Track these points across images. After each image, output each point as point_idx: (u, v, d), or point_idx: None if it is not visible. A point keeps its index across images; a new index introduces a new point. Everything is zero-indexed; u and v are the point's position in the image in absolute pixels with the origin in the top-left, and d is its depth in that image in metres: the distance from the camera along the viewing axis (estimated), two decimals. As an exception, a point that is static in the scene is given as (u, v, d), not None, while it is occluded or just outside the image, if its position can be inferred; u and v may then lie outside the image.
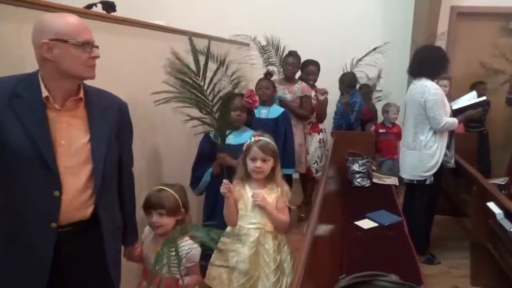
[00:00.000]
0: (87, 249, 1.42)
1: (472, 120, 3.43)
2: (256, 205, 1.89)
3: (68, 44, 1.27)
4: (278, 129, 3.01)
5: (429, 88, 2.73)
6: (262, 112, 3.07)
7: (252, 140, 1.92)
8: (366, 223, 2.59)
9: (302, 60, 3.67)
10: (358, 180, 3.31)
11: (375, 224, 2.57)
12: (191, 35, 2.33)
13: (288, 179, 3.03)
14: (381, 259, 2.12)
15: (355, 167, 3.34)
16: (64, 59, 1.27)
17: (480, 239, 2.59)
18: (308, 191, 3.91)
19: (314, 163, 3.73)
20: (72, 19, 1.31)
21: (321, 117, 3.72)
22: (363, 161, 3.35)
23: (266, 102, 3.10)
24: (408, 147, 2.93)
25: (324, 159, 3.72)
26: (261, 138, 1.93)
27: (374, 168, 3.46)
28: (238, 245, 1.91)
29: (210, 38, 2.76)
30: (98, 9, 2.33)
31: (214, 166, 2.31)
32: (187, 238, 1.67)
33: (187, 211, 1.74)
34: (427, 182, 2.83)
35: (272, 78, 3.28)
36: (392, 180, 3.43)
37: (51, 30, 1.25)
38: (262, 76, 3.25)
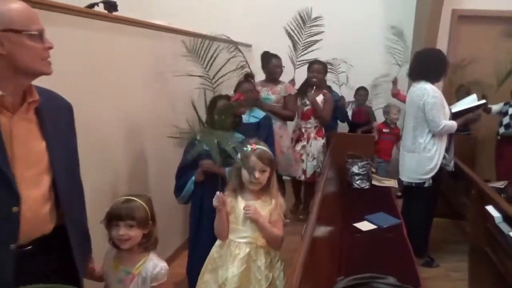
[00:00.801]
0: (54, 269, 1.23)
1: (471, 123, 3.43)
2: (248, 218, 1.77)
3: (22, 35, 1.09)
4: (260, 134, 2.84)
5: (428, 91, 2.73)
6: (243, 116, 2.90)
7: (249, 148, 1.80)
8: (365, 225, 2.59)
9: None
10: (358, 182, 3.31)
11: (374, 226, 2.58)
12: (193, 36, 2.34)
13: (279, 182, 3.04)
14: (380, 261, 2.12)
15: (355, 169, 3.35)
16: (19, 52, 1.10)
17: (478, 243, 2.59)
18: (306, 197, 3.83)
19: (318, 167, 3.67)
20: (20, 5, 1.12)
21: (325, 121, 3.73)
22: (362, 163, 3.36)
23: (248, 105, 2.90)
24: (407, 149, 2.94)
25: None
26: (258, 146, 1.81)
27: (373, 170, 3.46)
28: (228, 260, 1.79)
29: (211, 38, 2.78)
30: (100, 8, 2.34)
31: (196, 173, 2.23)
32: (152, 256, 1.57)
33: (154, 223, 1.60)
34: (426, 185, 2.83)
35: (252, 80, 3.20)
36: (391, 183, 3.43)
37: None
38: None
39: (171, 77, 2.63)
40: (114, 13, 2.28)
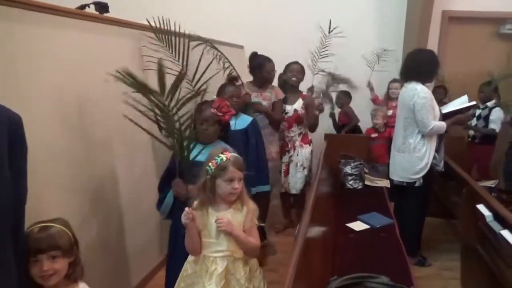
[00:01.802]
0: None
1: (461, 124, 3.45)
2: (222, 231, 1.66)
3: None
4: (249, 141, 2.68)
5: (418, 92, 2.76)
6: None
7: (224, 157, 1.64)
8: (358, 225, 2.61)
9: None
10: (351, 182, 3.33)
11: (367, 226, 2.59)
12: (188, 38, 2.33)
13: (265, 197, 2.81)
14: (373, 261, 2.13)
15: (348, 169, 3.36)
16: None
17: (470, 241, 2.61)
18: (299, 209, 3.48)
19: (309, 177, 3.48)
20: None
21: (314, 127, 3.56)
22: (355, 163, 3.38)
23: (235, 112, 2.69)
24: (398, 149, 2.97)
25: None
26: (232, 154, 1.68)
27: (366, 170, 3.48)
28: (204, 277, 1.68)
29: (204, 40, 2.78)
30: (91, 10, 2.33)
31: (173, 186, 2.03)
32: (82, 286, 1.40)
33: (78, 248, 1.39)
34: (417, 185, 2.86)
35: (237, 83, 2.90)
36: (384, 183, 3.45)
37: None
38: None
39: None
40: (105, 14, 2.27)
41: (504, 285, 2.12)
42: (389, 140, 3.91)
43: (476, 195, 2.54)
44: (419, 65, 2.83)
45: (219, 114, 2.01)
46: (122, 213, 2.32)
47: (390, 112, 4.08)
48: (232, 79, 2.79)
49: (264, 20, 4.59)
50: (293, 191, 3.46)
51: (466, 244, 2.70)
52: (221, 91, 2.62)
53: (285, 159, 3.46)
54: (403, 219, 2.85)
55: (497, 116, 3.79)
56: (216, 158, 1.64)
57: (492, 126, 3.82)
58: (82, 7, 2.32)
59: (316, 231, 2.09)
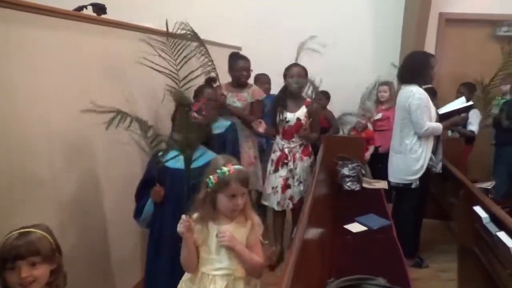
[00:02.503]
0: None
1: (458, 126, 3.46)
2: (223, 247, 1.51)
3: None
4: (226, 147, 2.52)
5: (413, 93, 2.78)
6: None
7: (226, 171, 1.49)
8: (355, 227, 2.61)
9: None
10: (348, 184, 3.33)
11: (364, 228, 2.59)
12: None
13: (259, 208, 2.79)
14: (370, 262, 2.13)
15: (345, 171, 3.36)
16: None
17: (467, 243, 2.62)
18: (294, 224, 3.16)
19: (306, 192, 3.01)
20: None
21: (315, 141, 3.28)
22: (353, 165, 3.37)
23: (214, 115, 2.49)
24: (395, 150, 2.99)
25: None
26: (235, 167, 1.52)
27: (363, 172, 3.48)
28: None
29: (203, 41, 2.78)
30: (89, 11, 2.33)
31: (151, 194, 1.89)
32: None
33: (61, 255, 1.31)
34: (413, 186, 2.87)
35: (215, 84, 2.74)
36: (381, 185, 3.45)
37: None
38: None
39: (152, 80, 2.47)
40: (103, 16, 2.27)
41: (500, 286, 2.13)
42: (367, 141, 3.93)
43: (473, 196, 2.55)
44: (414, 68, 2.85)
45: (199, 117, 1.89)
46: (106, 223, 2.20)
47: (379, 115, 4.13)
48: (210, 81, 2.61)
49: (262, 21, 4.60)
50: (290, 206, 3.09)
51: (463, 246, 2.71)
52: (198, 93, 2.44)
53: (283, 172, 3.05)
54: (400, 221, 2.86)
55: (475, 117, 3.79)
56: (218, 170, 1.50)
57: (470, 127, 3.81)
58: (80, 8, 2.32)
59: (313, 232, 2.09)
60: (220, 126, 2.55)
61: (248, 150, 3.08)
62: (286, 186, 3.06)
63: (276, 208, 3.10)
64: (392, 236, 2.49)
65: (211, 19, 4.45)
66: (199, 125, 1.90)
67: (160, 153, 1.91)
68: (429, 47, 4.44)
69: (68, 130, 1.82)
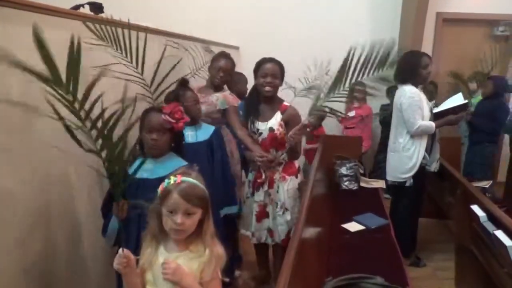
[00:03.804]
0: None
1: (452, 125, 3.47)
2: (166, 280, 1.27)
3: None
4: (214, 155, 2.29)
5: (406, 92, 2.83)
6: (188, 135, 2.19)
7: (171, 181, 1.29)
8: (353, 226, 2.61)
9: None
10: (346, 183, 3.33)
11: (362, 227, 2.59)
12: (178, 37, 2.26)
13: (233, 221, 2.53)
14: (368, 261, 2.13)
15: (343, 170, 3.36)
16: None
17: (464, 242, 2.63)
18: (277, 264, 2.67)
19: (295, 222, 2.34)
20: None
21: (295, 155, 2.54)
22: (350, 164, 3.38)
23: (194, 120, 2.21)
24: (390, 149, 3.04)
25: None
26: (185, 178, 1.30)
27: (361, 171, 3.49)
28: None
29: (199, 40, 2.77)
30: (86, 10, 2.32)
31: (113, 209, 1.64)
32: None
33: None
34: (407, 184, 2.89)
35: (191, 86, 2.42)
36: (379, 184, 3.46)
37: None
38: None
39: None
40: (100, 15, 2.26)
41: (498, 285, 2.14)
42: (315, 137, 3.98)
43: (470, 195, 2.56)
44: (406, 68, 2.89)
45: (171, 121, 1.69)
46: (80, 236, 1.87)
47: (352, 113, 4.23)
48: (186, 82, 2.32)
49: (261, 20, 4.59)
50: (276, 240, 2.52)
51: (460, 245, 2.72)
52: (176, 95, 2.16)
53: (259, 196, 2.48)
54: (397, 219, 2.87)
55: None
56: (166, 180, 1.32)
57: None
58: (77, 7, 2.31)
59: (311, 232, 2.09)
60: (206, 132, 2.30)
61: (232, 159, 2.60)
62: (262, 214, 2.49)
63: (251, 240, 2.58)
64: (390, 235, 2.50)
65: (209, 17, 4.47)
66: (169, 129, 1.71)
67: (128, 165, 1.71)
68: (427, 46, 4.46)
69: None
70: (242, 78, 3.27)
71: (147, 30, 2.06)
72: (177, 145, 1.82)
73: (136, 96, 1.89)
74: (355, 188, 3.33)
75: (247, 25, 4.54)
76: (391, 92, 4.11)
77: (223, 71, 2.65)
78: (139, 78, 1.94)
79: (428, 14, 4.38)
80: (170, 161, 1.75)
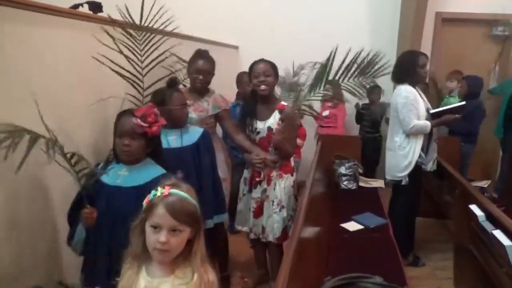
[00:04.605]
0: None
1: (448, 125, 3.47)
2: None
3: None
4: (201, 160, 2.12)
5: (401, 92, 2.84)
6: (171, 139, 2.05)
7: (158, 193, 1.14)
8: (352, 226, 2.61)
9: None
10: (345, 182, 3.33)
11: (361, 227, 2.60)
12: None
13: (219, 231, 2.36)
14: (366, 261, 2.14)
15: (342, 170, 3.37)
16: None
17: (463, 241, 2.63)
18: (273, 263, 2.60)
19: (289, 220, 2.49)
20: None
21: (289, 153, 2.51)
22: (349, 164, 3.38)
23: (182, 122, 2.12)
24: (387, 147, 3.06)
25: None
26: (174, 191, 1.14)
27: (360, 171, 3.49)
28: None
29: (200, 41, 2.77)
30: (85, 9, 2.32)
31: (81, 217, 1.52)
32: None
33: None
34: (403, 183, 2.89)
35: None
36: (378, 183, 3.47)
37: None
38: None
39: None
40: (99, 14, 2.26)
41: (496, 284, 2.14)
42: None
43: (469, 195, 2.56)
44: (402, 67, 2.91)
45: (144, 125, 1.56)
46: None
47: (326, 113, 4.30)
48: (175, 83, 2.13)
49: (260, 20, 4.59)
50: (269, 238, 2.48)
51: (459, 244, 2.72)
52: (166, 99, 2.03)
53: (256, 193, 2.48)
54: (394, 218, 2.88)
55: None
56: (153, 191, 1.16)
57: None
58: (76, 6, 2.30)
59: (310, 231, 2.09)
60: (192, 135, 2.13)
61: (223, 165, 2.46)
62: (259, 211, 2.50)
63: (250, 235, 2.59)
64: (389, 234, 2.51)
65: (208, 17, 4.46)
66: (142, 134, 1.57)
67: (99, 165, 1.63)
68: (426, 46, 4.46)
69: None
70: (245, 78, 3.08)
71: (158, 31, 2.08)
72: (154, 151, 1.66)
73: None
74: (354, 187, 3.33)
75: (246, 25, 4.53)
76: (373, 90, 4.24)
77: (202, 73, 2.42)
78: (137, 77, 1.92)
79: (427, 14, 4.38)
80: (147, 168, 1.61)
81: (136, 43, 2.00)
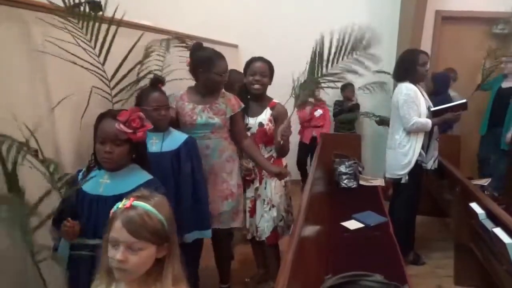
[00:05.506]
0: None
1: (449, 123, 3.48)
2: None
3: None
4: (182, 167, 1.98)
5: (402, 89, 2.84)
6: (151, 142, 1.93)
7: (120, 205, 1.05)
8: (352, 224, 2.62)
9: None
10: (345, 181, 3.33)
11: (361, 225, 2.60)
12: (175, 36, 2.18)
13: (196, 247, 2.18)
14: (367, 259, 2.14)
15: (342, 168, 3.37)
16: None
17: (463, 239, 2.64)
18: (269, 261, 2.64)
19: (281, 220, 2.46)
20: None
21: (283, 151, 2.47)
22: (349, 162, 3.38)
23: (161, 127, 1.97)
24: (387, 146, 3.06)
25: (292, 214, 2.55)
26: (137, 203, 1.04)
27: (360, 169, 3.49)
28: None
29: (196, 39, 2.76)
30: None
31: (62, 232, 1.42)
32: None
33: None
34: (403, 181, 2.89)
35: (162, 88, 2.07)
36: (378, 182, 3.47)
37: None
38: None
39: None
40: (99, 14, 2.25)
41: (497, 282, 2.14)
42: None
43: (469, 193, 2.56)
44: (403, 65, 2.92)
45: (127, 131, 1.44)
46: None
47: (320, 112, 4.39)
48: (157, 82, 2.00)
49: (260, 19, 4.59)
50: (262, 238, 2.44)
51: (459, 242, 2.72)
52: (142, 99, 1.92)
53: (250, 193, 2.44)
54: (394, 216, 2.88)
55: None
56: (120, 202, 1.07)
57: None
58: (76, 5, 2.30)
59: (310, 230, 2.09)
60: (174, 141, 1.99)
61: (227, 176, 2.26)
62: (254, 210, 2.46)
63: (247, 235, 2.54)
64: (389, 233, 2.51)
65: (207, 15, 4.45)
66: (126, 140, 1.46)
67: (82, 171, 1.53)
68: (426, 45, 4.45)
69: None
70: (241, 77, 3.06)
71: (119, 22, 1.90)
72: (140, 157, 1.55)
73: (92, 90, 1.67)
74: (354, 186, 3.33)
75: (245, 24, 4.53)
76: (346, 87, 4.39)
77: (225, 74, 2.25)
78: (99, 68, 1.71)
79: (427, 12, 4.38)
80: (132, 175, 1.49)
81: (76, 28, 1.75)
